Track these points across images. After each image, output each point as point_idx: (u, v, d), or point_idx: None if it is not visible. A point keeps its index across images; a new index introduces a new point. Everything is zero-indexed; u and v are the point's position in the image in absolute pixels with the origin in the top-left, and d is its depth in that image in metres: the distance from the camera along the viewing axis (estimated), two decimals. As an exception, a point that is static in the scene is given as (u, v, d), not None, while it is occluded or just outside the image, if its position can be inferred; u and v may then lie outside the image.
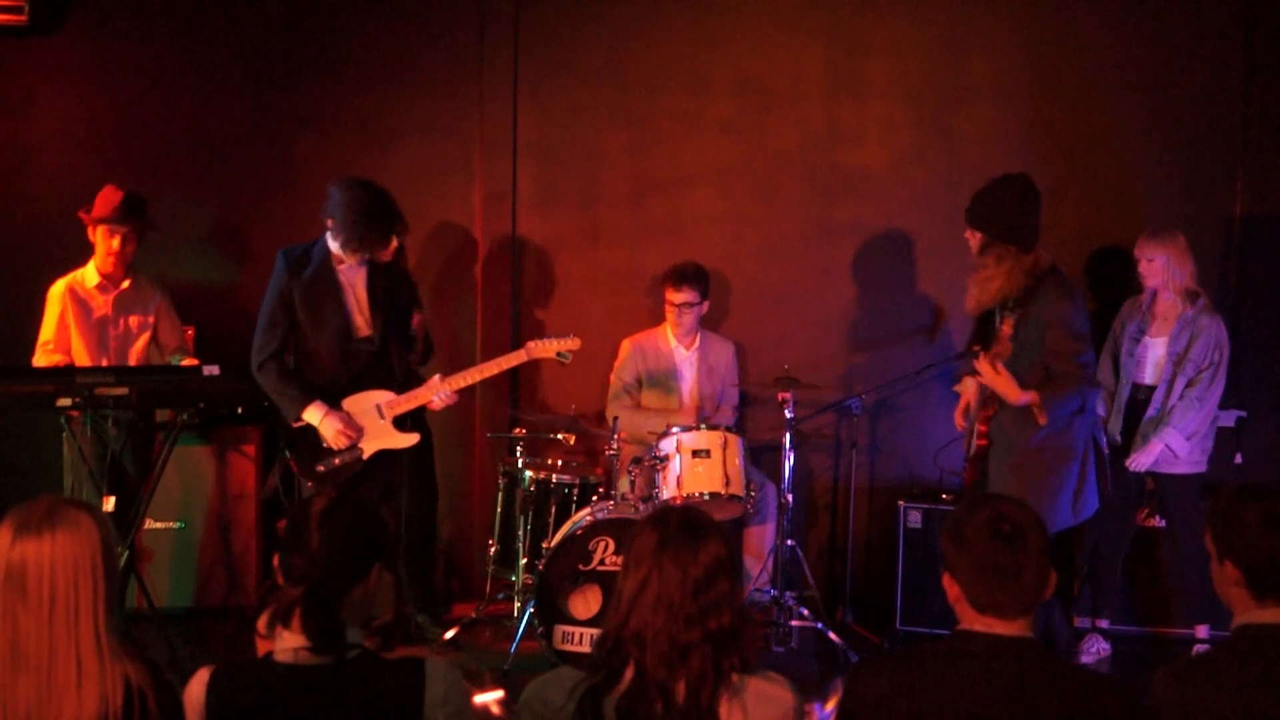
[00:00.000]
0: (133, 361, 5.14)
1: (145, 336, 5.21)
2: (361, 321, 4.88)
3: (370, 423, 4.85)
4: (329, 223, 4.78)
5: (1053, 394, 4.39)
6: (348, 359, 4.85)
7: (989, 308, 4.53)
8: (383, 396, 4.87)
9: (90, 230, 5.05)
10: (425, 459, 5.11)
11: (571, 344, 4.99)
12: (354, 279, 4.88)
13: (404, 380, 4.96)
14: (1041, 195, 4.58)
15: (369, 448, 4.84)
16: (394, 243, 4.92)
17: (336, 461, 4.78)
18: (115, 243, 5.05)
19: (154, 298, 5.24)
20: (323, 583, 2.30)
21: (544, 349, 4.98)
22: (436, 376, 4.97)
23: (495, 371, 5.00)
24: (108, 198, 5.02)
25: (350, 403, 4.85)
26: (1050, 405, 4.38)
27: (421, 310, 5.02)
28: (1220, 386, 4.98)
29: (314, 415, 4.76)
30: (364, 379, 4.88)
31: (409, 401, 4.89)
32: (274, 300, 4.81)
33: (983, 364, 4.47)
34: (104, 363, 5.05)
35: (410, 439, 4.90)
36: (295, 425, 4.78)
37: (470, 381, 4.95)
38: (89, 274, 5.12)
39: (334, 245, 4.80)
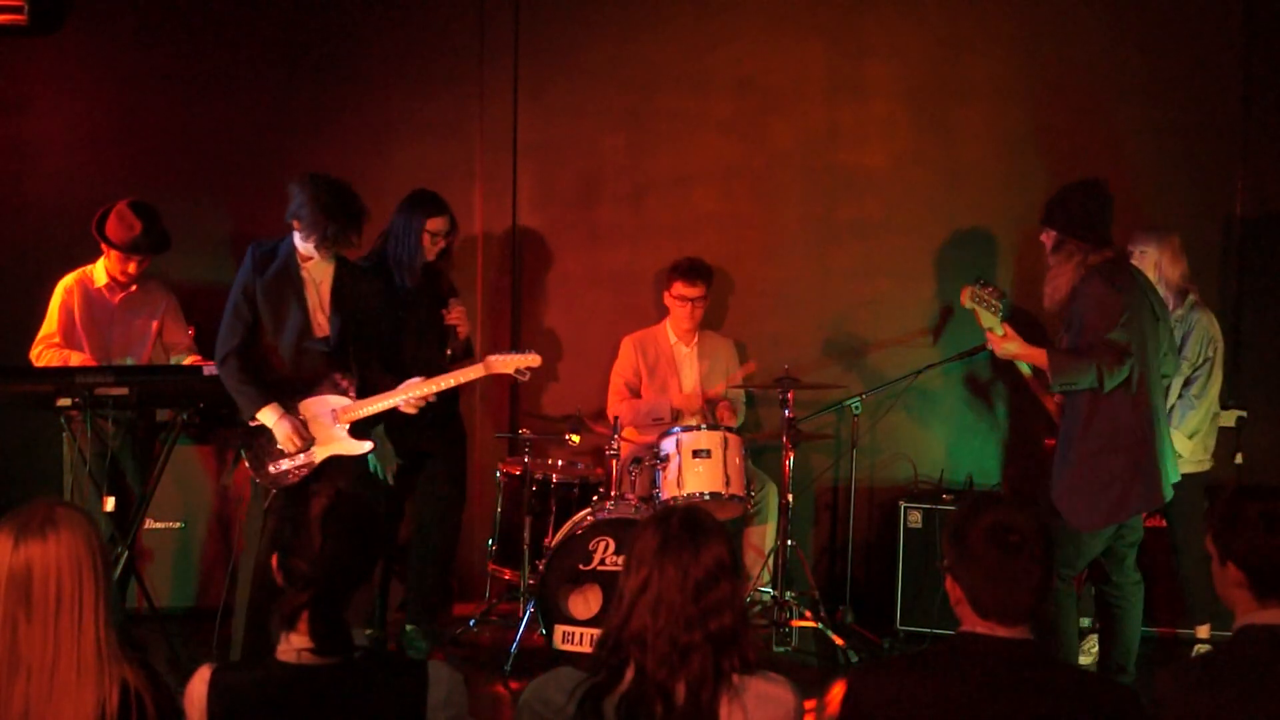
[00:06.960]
0: (138, 361, 5.11)
1: (151, 337, 5.19)
2: (321, 319, 4.72)
3: (322, 428, 4.66)
4: (295, 224, 4.63)
5: (1063, 357, 4.22)
6: (301, 359, 4.68)
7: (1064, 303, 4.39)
8: (338, 401, 4.68)
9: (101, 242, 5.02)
10: (453, 464, 5.04)
11: (531, 360, 4.80)
12: (319, 276, 4.71)
13: (364, 383, 4.76)
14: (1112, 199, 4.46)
15: (320, 453, 4.65)
16: (355, 238, 4.74)
17: (284, 465, 4.63)
18: (131, 267, 5.04)
19: (161, 298, 5.23)
20: (329, 585, 2.29)
21: (503, 364, 4.78)
22: (414, 379, 4.74)
23: (451, 384, 4.77)
24: (126, 224, 4.94)
25: (306, 406, 4.67)
26: (1057, 368, 4.19)
27: (458, 302, 5.06)
28: (1218, 381, 4.98)
29: (269, 416, 4.59)
30: (317, 380, 4.70)
31: (363, 406, 4.68)
32: (238, 294, 4.68)
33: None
34: (108, 361, 5.03)
35: (362, 446, 4.68)
36: (251, 424, 4.65)
37: (427, 393, 4.72)
38: (98, 272, 5.10)
39: (303, 245, 4.66)
